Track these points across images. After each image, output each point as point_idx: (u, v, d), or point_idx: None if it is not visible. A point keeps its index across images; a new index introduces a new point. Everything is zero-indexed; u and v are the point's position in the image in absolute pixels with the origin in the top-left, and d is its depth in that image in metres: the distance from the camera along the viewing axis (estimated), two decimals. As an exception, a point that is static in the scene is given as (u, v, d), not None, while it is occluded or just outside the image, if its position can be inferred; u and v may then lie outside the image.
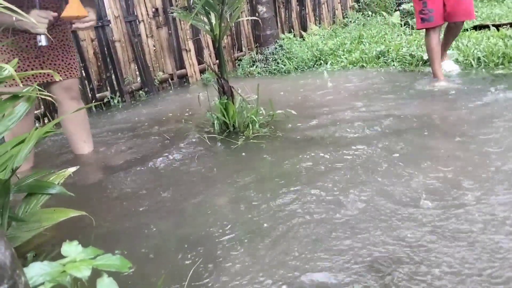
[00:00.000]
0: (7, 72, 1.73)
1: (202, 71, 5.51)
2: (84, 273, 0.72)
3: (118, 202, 2.18)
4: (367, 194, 1.83)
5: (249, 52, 5.86)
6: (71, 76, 2.73)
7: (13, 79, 2.38)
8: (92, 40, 4.55)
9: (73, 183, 2.46)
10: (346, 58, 4.79)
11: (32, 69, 2.57)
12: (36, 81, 2.54)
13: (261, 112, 3.05)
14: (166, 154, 2.72)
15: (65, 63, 2.71)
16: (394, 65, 4.31)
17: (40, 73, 2.53)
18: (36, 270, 0.75)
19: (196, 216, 1.89)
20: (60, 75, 2.65)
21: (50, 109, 4.18)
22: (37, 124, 4.01)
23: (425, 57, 4.03)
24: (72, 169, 1.94)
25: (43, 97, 1.90)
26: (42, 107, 4.16)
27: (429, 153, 2.17)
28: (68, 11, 2.39)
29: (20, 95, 1.77)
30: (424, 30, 3.44)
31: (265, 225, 1.71)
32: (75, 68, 2.77)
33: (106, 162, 2.81)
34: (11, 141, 1.74)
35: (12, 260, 0.63)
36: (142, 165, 2.61)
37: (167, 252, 1.64)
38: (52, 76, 2.61)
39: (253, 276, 1.40)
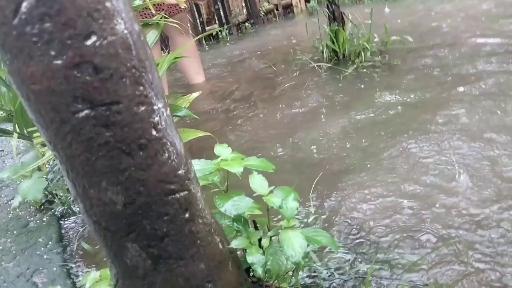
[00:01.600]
0: (138, 1, 1.88)
1: (307, 0, 5.33)
2: (237, 169, 0.80)
3: (232, 127, 2.31)
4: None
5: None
6: (180, 10, 2.84)
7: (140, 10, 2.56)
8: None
9: (193, 109, 2.66)
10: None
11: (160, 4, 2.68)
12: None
13: (374, 39, 2.91)
14: (279, 83, 2.77)
15: None
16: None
17: (162, 3, 2.65)
18: (195, 166, 0.85)
19: (308, 142, 1.94)
20: (171, 11, 2.76)
21: (166, 43, 4.45)
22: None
23: None
24: (196, 94, 2.09)
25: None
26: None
27: None
28: None
29: (150, 23, 1.92)
30: None
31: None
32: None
33: (218, 91, 2.96)
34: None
35: (185, 150, 0.74)
36: (250, 93, 2.70)
37: (288, 169, 1.74)
38: (169, 8, 2.73)
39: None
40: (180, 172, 0.71)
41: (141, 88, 0.64)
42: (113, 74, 0.61)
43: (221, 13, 4.78)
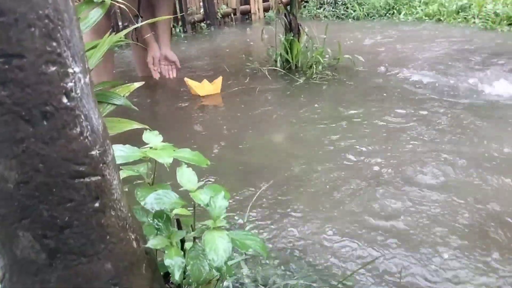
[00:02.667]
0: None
1: (266, 10, 5.33)
2: (166, 159, 0.71)
3: (178, 124, 2.20)
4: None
5: (317, -6, 5.58)
6: None
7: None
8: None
9: (135, 101, 2.51)
10: (422, 9, 4.45)
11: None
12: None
13: (326, 55, 2.92)
14: (228, 86, 2.69)
15: None
16: (474, 22, 3.96)
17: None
18: (118, 151, 0.75)
19: (253, 147, 1.88)
20: None
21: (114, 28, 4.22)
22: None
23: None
24: (137, 84, 1.95)
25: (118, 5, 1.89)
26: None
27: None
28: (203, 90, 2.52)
29: (94, 0, 1.77)
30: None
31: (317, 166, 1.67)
32: None
33: (168, 87, 2.82)
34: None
35: (104, 128, 0.63)
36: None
37: (226, 174, 1.65)
38: None
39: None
40: (93, 152, 0.60)
41: (54, 44, 0.53)
42: (19, 20, 0.50)
43: (177, 9, 4.64)
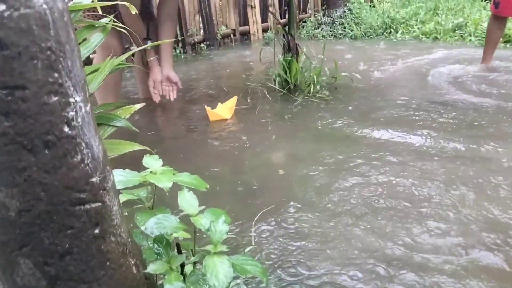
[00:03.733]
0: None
1: (264, 30, 5.41)
2: (165, 184, 0.72)
3: (176, 145, 2.21)
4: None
5: (315, 14, 5.67)
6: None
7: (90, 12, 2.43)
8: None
9: (136, 122, 2.53)
10: (418, 28, 4.51)
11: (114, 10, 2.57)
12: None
13: (324, 73, 2.95)
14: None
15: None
16: (471, 39, 4.01)
17: (115, 9, 2.54)
18: (118, 176, 0.76)
19: (251, 165, 1.88)
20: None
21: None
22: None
23: None
24: (138, 106, 1.97)
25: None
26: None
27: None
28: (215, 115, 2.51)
29: (96, 25, 1.81)
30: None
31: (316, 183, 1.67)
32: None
33: (169, 108, 2.85)
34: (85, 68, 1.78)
35: (104, 155, 0.64)
36: (202, 112, 2.63)
37: (226, 194, 1.65)
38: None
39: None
40: (94, 179, 0.61)
41: (56, 74, 0.54)
42: (22, 53, 0.51)
43: (177, 30, 4.71)
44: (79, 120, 0.58)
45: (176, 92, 2.85)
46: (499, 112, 2.24)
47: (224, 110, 2.54)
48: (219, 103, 2.59)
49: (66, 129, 0.56)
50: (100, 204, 0.63)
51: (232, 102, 2.62)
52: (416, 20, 4.76)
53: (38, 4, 0.52)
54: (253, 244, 1.32)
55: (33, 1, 0.52)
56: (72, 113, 0.57)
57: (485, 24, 4.11)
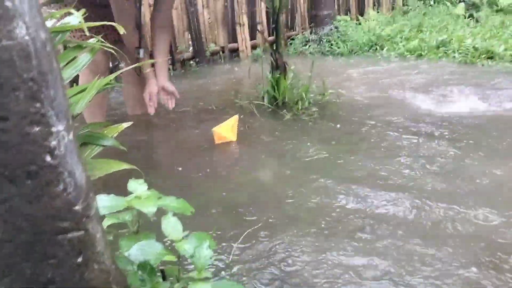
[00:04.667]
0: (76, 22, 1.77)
1: (253, 47, 5.46)
2: (150, 209, 0.72)
3: (166, 163, 2.21)
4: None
5: (302, 32, 5.74)
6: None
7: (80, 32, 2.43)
8: (150, 6, 4.59)
9: (124, 140, 2.51)
10: (403, 45, 4.59)
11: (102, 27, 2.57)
12: (108, 39, 2.58)
13: (312, 90, 2.98)
14: (217, 122, 2.71)
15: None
16: (454, 56, 4.09)
17: (104, 25, 2.54)
18: (102, 202, 0.75)
19: (240, 183, 1.89)
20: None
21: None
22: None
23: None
24: (126, 125, 1.97)
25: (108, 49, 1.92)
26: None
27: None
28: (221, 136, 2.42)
29: (84, 46, 1.81)
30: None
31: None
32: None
33: (156, 125, 2.84)
34: (71, 89, 1.78)
35: (87, 181, 0.64)
36: (191, 129, 2.63)
37: (213, 213, 1.65)
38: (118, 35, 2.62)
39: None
40: (77, 208, 0.61)
41: (38, 105, 0.55)
42: (4, 84, 0.52)
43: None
44: (62, 149, 0.58)
45: (174, 101, 2.81)
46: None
47: (228, 131, 2.43)
48: (221, 124, 2.46)
49: (48, 158, 0.56)
50: (83, 232, 0.63)
51: (233, 120, 2.49)
52: (401, 37, 4.85)
53: (21, 36, 0.53)
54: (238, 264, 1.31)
55: (16, 33, 0.52)
56: (54, 143, 0.57)
57: (469, 41, 4.22)
